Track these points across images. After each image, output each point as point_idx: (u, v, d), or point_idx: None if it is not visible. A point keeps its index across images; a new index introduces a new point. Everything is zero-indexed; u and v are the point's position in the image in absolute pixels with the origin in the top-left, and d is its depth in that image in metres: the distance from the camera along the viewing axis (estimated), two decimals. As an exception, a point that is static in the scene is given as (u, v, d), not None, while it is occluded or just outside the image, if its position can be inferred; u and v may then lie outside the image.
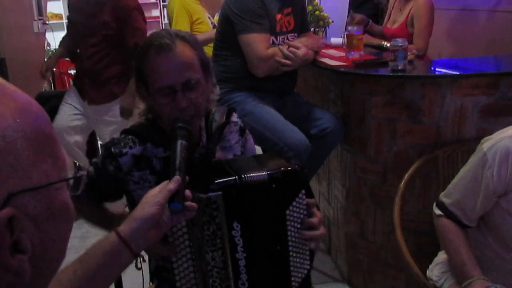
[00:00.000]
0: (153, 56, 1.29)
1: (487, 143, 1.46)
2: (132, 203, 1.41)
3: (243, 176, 1.20)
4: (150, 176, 1.37)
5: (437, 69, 2.47)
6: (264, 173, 1.22)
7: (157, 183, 1.10)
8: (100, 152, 1.41)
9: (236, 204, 1.18)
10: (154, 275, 1.48)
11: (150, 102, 1.36)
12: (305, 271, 1.29)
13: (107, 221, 1.44)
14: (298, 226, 1.25)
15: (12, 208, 0.50)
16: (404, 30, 3.14)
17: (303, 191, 1.25)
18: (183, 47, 1.29)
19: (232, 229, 1.18)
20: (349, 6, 4.06)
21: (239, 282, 1.21)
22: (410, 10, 3.11)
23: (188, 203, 1.07)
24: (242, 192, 1.19)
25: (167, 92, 1.28)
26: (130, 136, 1.38)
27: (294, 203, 1.24)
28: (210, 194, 1.15)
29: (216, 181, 1.17)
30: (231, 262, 1.19)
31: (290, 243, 1.25)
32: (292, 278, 1.27)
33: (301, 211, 1.25)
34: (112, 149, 1.36)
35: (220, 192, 1.16)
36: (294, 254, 1.26)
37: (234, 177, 1.19)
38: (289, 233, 1.24)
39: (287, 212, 1.23)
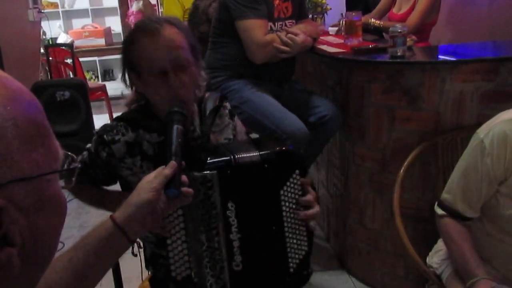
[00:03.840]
0: (141, 40, 1.28)
1: (482, 131, 1.45)
2: (126, 188, 1.40)
3: (237, 156, 1.19)
4: (141, 162, 1.36)
5: (436, 55, 2.45)
6: (257, 153, 1.21)
7: (154, 168, 1.09)
8: (93, 138, 1.40)
9: (231, 184, 1.17)
10: (149, 262, 1.47)
11: (142, 89, 1.35)
12: (303, 253, 1.27)
13: (106, 201, 1.43)
14: (294, 206, 1.24)
15: (1, 198, 0.49)
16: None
17: (297, 171, 1.24)
18: (171, 30, 1.29)
19: (227, 209, 1.17)
20: None
21: (233, 264, 1.19)
22: None
23: (185, 189, 1.05)
24: (236, 172, 1.18)
25: (159, 75, 1.27)
26: (122, 123, 1.38)
27: (288, 183, 1.23)
28: (205, 172, 1.14)
29: (210, 160, 1.17)
30: (225, 243, 1.18)
31: (285, 223, 1.23)
32: (290, 260, 1.25)
33: (296, 191, 1.24)
34: (105, 136, 1.36)
35: (215, 171, 1.15)
36: (290, 235, 1.24)
37: (229, 157, 1.18)
38: (284, 213, 1.23)
39: (281, 192, 1.22)
